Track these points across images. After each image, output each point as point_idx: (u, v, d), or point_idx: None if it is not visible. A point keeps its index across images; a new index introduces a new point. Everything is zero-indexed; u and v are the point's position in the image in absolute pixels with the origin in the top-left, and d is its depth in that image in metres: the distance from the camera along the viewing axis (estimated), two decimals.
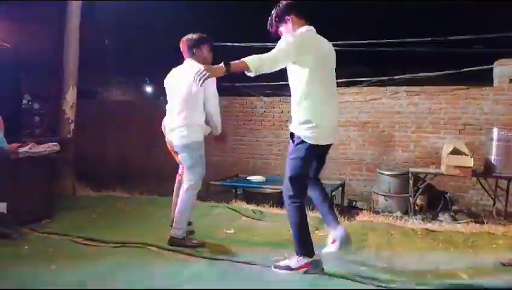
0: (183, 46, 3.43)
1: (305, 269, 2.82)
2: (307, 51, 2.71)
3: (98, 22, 7.82)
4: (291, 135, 2.87)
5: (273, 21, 2.89)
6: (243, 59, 2.63)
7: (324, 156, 3.07)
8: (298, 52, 2.68)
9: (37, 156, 4.15)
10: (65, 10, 5.80)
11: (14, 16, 5.89)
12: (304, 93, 2.76)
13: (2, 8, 5.59)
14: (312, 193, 3.05)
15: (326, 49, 2.86)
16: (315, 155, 2.91)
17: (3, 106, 4.83)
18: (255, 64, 2.60)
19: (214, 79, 3.14)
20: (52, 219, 4.25)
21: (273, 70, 2.72)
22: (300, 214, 2.84)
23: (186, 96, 3.30)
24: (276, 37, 2.93)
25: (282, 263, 2.90)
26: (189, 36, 3.42)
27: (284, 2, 2.87)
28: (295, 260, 2.85)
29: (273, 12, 2.89)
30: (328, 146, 2.98)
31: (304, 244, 2.84)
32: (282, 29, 2.88)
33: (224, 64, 2.61)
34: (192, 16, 9.29)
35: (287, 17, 2.84)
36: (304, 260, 2.82)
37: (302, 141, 2.78)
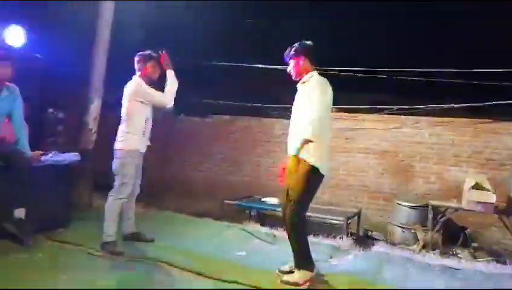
0: (135, 60, 3.88)
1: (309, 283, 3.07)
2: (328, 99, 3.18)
3: (128, 37, 8.07)
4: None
5: (290, 52, 3.32)
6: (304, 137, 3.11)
7: None
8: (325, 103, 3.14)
9: (58, 164, 4.23)
10: (96, 21, 5.99)
11: (46, 26, 6.11)
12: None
13: (35, 18, 5.82)
14: None
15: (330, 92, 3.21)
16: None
17: (30, 114, 4.97)
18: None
19: (142, 82, 3.74)
20: (68, 228, 4.29)
21: None
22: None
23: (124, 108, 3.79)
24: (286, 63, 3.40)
25: (291, 279, 3.11)
26: (140, 52, 3.88)
27: (302, 45, 3.28)
28: (300, 274, 3.09)
29: (293, 46, 3.31)
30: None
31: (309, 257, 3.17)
32: (291, 62, 3.31)
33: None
34: (221, 36, 9.50)
35: (300, 56, 3.26)
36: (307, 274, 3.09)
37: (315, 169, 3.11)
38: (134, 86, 3.77)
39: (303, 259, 3.16)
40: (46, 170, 4.11)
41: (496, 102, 6.51)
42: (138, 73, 3.86)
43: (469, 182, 5.33)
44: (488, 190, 5.10)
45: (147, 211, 5.71)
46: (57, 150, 4.43)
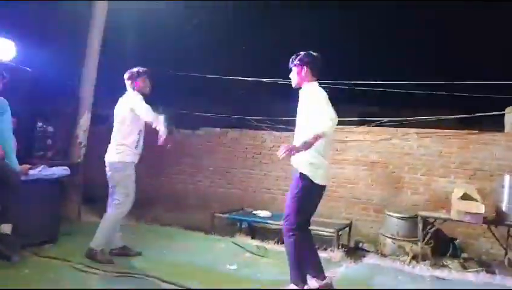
0: (125, 78, 4.01)
1: None
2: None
3: (119, 49, 8.06)
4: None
5: (294, 60, 3.34)
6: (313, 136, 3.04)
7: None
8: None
9: (46, 178, 4.18)
10: (86, 35, 5.99)
11: (35, 38, 6.09)
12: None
13: (25, 30, 5.80)
14: None
15: None
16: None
17: (19, 127, 4.92)
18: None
19: (140, 98, 3.85)
20: (55, 243, 4.22)
21: None
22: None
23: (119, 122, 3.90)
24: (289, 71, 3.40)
25: None
26: (131, 70, 4.01)
27: (307, 55, 3.31)
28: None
29: (298, 54, 3.33)
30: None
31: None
32: (294, 70, 3.33)
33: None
34: (211, 49, 9.57)
35: (303, 66, 3.28)
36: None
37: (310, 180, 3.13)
38: (132, 98, 3.87)
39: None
40: (35, 184, 4.05)
41: (483, 113, 6.64)
42: (130, 89, 3.97)
43: (457, 193, 5.38)
44: (477, 201, 5.16)
45: (137, 224, 5.65)
46: (46, 164, 4.38)
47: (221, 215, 5.93)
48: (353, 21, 9.10)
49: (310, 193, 3.18)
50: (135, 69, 4.01)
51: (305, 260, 3.17)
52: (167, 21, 7.91)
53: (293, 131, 7.63)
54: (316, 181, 3.15)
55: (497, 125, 6.66)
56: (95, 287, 3.12)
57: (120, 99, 4.02)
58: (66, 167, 4.43)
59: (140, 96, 3.91)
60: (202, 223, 6.20)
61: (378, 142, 6.94)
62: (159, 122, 3.77)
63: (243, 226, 6.17)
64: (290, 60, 3.35)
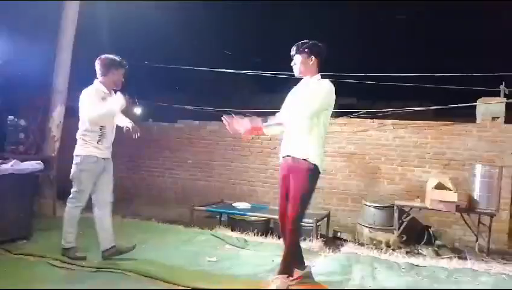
0: (97, 63, 3.61)
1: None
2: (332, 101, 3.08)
3: (92, 42, 7.87)
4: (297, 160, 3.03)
5: (300, 47, 3.11)
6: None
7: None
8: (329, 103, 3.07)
9: (19, 173, 4.06)
10: (59, 26, 5.80)
11: (5, 31, 5.88)
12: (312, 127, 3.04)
13: None
14: None
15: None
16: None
17: None
18: None
19: (92, 92, 3.52)
20: (29, 239, 4.12)
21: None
22: None
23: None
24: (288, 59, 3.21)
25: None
26: (106, 56, 3.61)
27: (317, 44, 3.13)
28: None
29: (305, 42, 3.12)
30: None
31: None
32: (299, 58, 3.11)
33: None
34: (185, 41, 9.44)
35: (312, 55, 3.09)
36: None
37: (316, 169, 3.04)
38: (84, 94, 3.56)
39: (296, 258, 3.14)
40: (7, 180, 3.94)
41: (456, 105, 6.82)
42: (99, 78, 3.61)
43: (432, 182, 5.54)
44: (450, 190, 5.32)
45: (116, 218, 5.56)
46: (18, 159, 4.25)
47: (200, 208, 5.91)
48: (331, 15, 9.17)
49: (315, 184, 3.13)
50: (117, 58, 3.61)
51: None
52: (145, 12, 7.75)
53: None
54: (320, 171, 3.09)
55: (469, 116, 6.87)
56: (71, 284, 3.06)
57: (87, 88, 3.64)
58: (39, 162, 4.31)
59: (99, 91, 3.55)
60: (182, 216, 6.18)
61: (355, 134, 7.04)
62: (111, 114, 3.55)
63: (223, 218, 6.18)
64: (295, 46, 3.13)
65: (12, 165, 4.02)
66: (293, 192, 3.01)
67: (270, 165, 7.42)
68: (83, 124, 3.59)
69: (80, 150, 3.57)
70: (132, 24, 8.33)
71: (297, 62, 3.11)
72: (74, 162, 3.59)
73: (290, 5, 9.11)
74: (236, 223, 5.66)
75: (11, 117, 5.65)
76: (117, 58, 3.62)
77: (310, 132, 3.02)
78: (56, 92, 5.78)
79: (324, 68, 3.20)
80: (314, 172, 3.03)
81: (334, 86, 3.07)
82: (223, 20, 9.68)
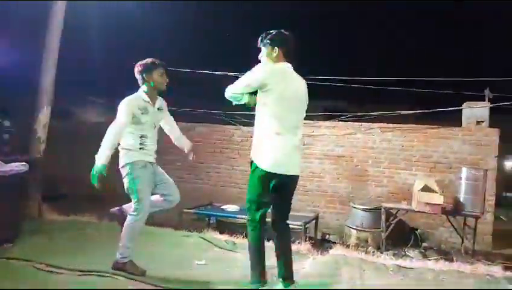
0: (135, 71, 3.47)
1: None
2: (269, 85, 2.87)
3: (77, 41, 7.77)
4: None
5: (263, 39, 3.01)
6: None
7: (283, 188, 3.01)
8: (261, 85, 2.89)
9: (3, 175, 3.98)
10: (46, 25, 5.71)
11: None
12: (261, 122, 3.00)
13: None
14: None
15: (293, 86, 2.97)
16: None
17: None
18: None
19: (130, 101, 3.37)
20: (14, 243, 4.03)
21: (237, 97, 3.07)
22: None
23: None
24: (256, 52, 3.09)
25: None
26: (141, 62, 3.45)
27: (280, 34, 2.99)
28: None
29: (269, 32, 3.01)
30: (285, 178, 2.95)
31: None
32: (264, 50, 3.01)
33: None
34: (176, 36, 9.40)
35: (274, 46, 2.96)
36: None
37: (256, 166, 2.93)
38: (122, 102, 3.38)
39: None
40: None
41: (442, 109, 6.94)
42: (143, 86, 3.45)
43: (418, 185, 5.62)
44: (436, 192, 5.41)
45: (101, 221, 5.50)
46: (3, 160, 4.17)
47: (189, 211, 5.88)
48: (318, 16, 9.23)
49: (261, 182, 2.97)
50: (149, 60, 3.42)
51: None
52: (132, 11, 7.69)
53: None
54: (264, 168, 2.90)
55: (455, 120, 6.99)
56: (56, 288, 3.01)
57: None
58: (24, 163, 4.23)
59: (136, 100, 3.40)
60: (170, 218, 6.12)
61: (343, 137, 7.11)
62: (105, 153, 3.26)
63: (212, 221, 6.15)
64: (260, 38, 3.02)
65: None
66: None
67: None
68: (124, 134, 3.40)
69: (125, 159, 3.39)
70: (118, 24, 8.27)
71: (263, 54, 3.01)
72: (123, 174, 3.39)
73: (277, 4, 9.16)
74: (225, 226, 5.66)
75: None
76: (151, 60, 3.43)
77: (258, 126, 3.00)
78: (42, 93, 5.69)
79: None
80: (257, 171, 2.89)
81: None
82: (207, 18, 9.69)
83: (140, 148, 3.42)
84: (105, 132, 3.35)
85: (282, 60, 2.96)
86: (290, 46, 2.99)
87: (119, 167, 3.41)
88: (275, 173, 2.86)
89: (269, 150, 2.89)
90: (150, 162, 3.49)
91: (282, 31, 3.00)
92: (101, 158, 3.20)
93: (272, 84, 2.86)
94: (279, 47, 2.95)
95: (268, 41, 2.97)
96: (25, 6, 5.93)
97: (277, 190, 2.94)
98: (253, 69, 2.94)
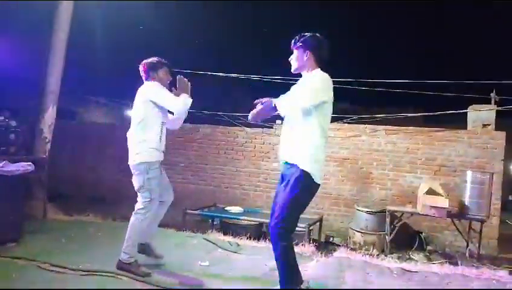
0: (142, 68, 3.57)
1: None
2: (327, 97, 2.83)
3: (82, 42, 7.81)
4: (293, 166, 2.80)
5: (296, 42, 2.92)
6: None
7: None
8: (323, 98, 2.80)
9: (9, 175, 4.00)
10: (52, 26, 5.74)
11: None
12: (310, 133, 2.83)
13: None
14: None
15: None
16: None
17: None
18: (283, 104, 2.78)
19: (158, 85, 3.42)
20: (19, 242, 4.05)
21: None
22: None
23: (138, 116, 3.42)
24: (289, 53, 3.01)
25: None
26: (148, 60, 3.57)
27: (314, 38, 2.91)
28: None
29: (303, 35, 2.92)
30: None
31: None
32: (295, 53, 2.93)
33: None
34: (180, 40, 9.42)
35: (306, 49, 2.88)
36: None
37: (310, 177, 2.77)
38: (152, 87, 3.43)
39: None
40: None
41: (447, 111, 6.90)
42: (150, 80, 3.53)
43: (423, 188, 5.59)
44: (441, 195, 5.37)
45: (106, 222, 5.52)
46: (8, 160, 4.19)
47: (192, 212, 5.88)
48: (327, 18, 9.23)
49: (310, 194, 2.85)
50: (155, 59, 3.55)
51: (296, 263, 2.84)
52: (137, 13, 7.73)
53: (265, 127, 7.61)
54: (317, 181, 2.80)
55: (460, 123, 6.95)
56: (60, 288, 3.02)
57: (141, 88, 3.53)
58: (30, 163, 4.25)
59: (160, 85, 3.47)
60: (174, 219, 6.11)
61: (348, 139, 7.08)
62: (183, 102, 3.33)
63: (215, 222, 6.15)
64: (293, 40, 2.93)
65: (2, 167, 3.96)
66: (281, 201, 2.79)
67: (263, 169, 7.42)
68: (142, 125, 3.39)
69: (144, 156, 3.36)
70: (124, 25, 8.31)
71: (293, 57, 2.94)
72: (137, 171, 3.38)
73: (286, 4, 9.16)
74: (229, 227, 5.65)
75: (1, 118, 5.56)
76: (156, 59, 3.57)
77: (304, 133, 2.80)
78: (48, 93, 5.72)
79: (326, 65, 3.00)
80: (305, 179, 2.75)
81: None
82: (219, 21, 9.70)
83: (159, 140, 3.45)
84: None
85: (314, 65, 2.89)
86: (323, 51, 2.91)
87: (133, 162, 3.39)
88: (319, 185, 2.86)
89: (322, 164, 2.88)
90: (160, 161, 3.53)
91: (317, 34, 2.92)
92: None
93: (331, 95, 2.86)
94: (311, 51, 2.87)
95: (300, 44, 2.89)
96: (31, 6, 5.96)
97: None
98: (313, 80, 2.81)
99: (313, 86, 2.79)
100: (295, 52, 2.93)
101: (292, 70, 2.98)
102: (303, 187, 2.76)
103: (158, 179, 3.44)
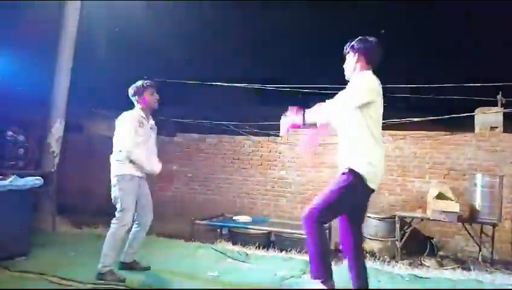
0: (129, 94, 3.81)
1: None
2: (371, 98, 2.76)
3: (89, 57, 7.91)
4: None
5: (346, 48, 2.93)
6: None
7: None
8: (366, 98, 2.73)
9: (18, 189, 4.03)
10: (58, 42, 5.81)
11: (3, 45, 5.90)
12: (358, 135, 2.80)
13: None
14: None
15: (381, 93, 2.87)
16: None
17: None
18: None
19: (129, 118, 3.66)
20: (28, 256, 4.07)
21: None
22: None
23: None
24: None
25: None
26: (132, 85, 3.79)
27: (362, 41, 2.89)
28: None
29: (356, 40, 2.91)
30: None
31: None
32: (347, 58, 2.92)
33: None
34: (185, 54, 9.50)
35: (356, 54, 2.86)
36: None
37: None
38: (124, 117, 3.67)
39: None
40: (6, 196, 3.90)
41: (455, 115, 6.85)
42: (137, 105, 3.77)
43: (433, 193, 5.52)
44: (452, 200, 5.30)
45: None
46: (17, 174, 4.22)
47: (201, 222, 5.86)
48: (337, 23, 9.25)
49: (356, 195, 2.74)
50: (139, 82, 3.78)
51: (326, 253, 2.76)
52: (143, 25, 7.81)
53: (271, 136, 7.61)
54: (369, 184, 2.71)
55: (468, 126, 6.89)
56: None
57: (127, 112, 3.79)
58: (38, 177, 4.29)
59: (136, 116, 3.69)
60: (182, 230, 6.11)
61: None
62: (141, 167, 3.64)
63: (224, 232, 6.12)
64: (346, 46, 2.93)
65: (11, 181, 4.00)
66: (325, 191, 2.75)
67: (270, 178, 7.39)
68: (117, 147, 3.65)
69: (116, 170, 3.61)
70: (129, 38, 8.40)
71: (346, 63, 2.92)
72: (112, 183, 3.62)
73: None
74: (237, 237, 5.62)
75: (9, 132, 5.63)
76: (143, 82, 3.79)
77: (351, 138, 2.77)
78: (55, 107, 5.78)
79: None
80: (354, 178, 2.67)
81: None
82: (225, 29, 9.76)
83: (130, 161, 3.61)
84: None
85: (365, 68, 2.84)
86: (373, 53, 2.87)
87: (111, 176, 3.64)
88: (372, 190, 2.78)
89: (377, 168, 2.81)
90: (138, 176, 3.68)
91: (367, 37, 2.89)
92: None
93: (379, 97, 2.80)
94: (360, 54, 2.84)
95: (350, 48, 2.88)
96: (38, 20, 6.06)
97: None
98: (358, 81, 2.77)
99: (356, 87, 2.74)
100: (347, 57, 2.92)
101: (346, 77, 2.93)
102: (349, 184, 2.68)
103: (132, 194, 3.61)
